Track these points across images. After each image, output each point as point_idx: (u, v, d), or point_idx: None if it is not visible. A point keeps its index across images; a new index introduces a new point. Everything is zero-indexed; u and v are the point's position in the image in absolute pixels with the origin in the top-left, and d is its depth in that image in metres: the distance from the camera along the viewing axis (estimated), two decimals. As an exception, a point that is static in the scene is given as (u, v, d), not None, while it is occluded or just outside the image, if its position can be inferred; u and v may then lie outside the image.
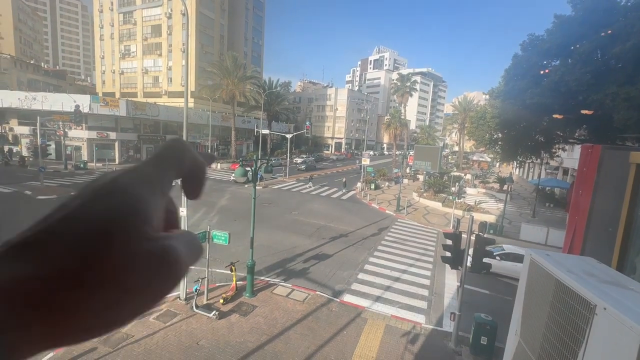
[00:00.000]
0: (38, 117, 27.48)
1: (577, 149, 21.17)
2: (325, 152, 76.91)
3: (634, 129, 11.48)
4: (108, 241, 0.24)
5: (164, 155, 0.34)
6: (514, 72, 16.47)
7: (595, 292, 2.23)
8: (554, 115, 14.34)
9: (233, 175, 29.18)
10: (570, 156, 30.22)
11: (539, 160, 24.35)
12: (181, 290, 9.86)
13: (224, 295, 10.05)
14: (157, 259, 0.27)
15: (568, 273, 2.54)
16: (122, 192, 0.27)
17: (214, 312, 9.16)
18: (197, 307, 9.37)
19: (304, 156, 54.73)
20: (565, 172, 34.86)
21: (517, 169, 57.84)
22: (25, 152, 35.24)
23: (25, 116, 35.00)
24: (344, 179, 32.70)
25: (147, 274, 0.26)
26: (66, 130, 33.28)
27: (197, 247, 0.33)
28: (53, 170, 29.94)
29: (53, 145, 35.56)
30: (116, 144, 37.94)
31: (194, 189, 0.38)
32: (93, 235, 0.24)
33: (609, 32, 12.47)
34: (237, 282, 10.60)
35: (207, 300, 9.90)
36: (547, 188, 31.34)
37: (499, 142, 23.77)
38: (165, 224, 0.36)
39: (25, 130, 35.78)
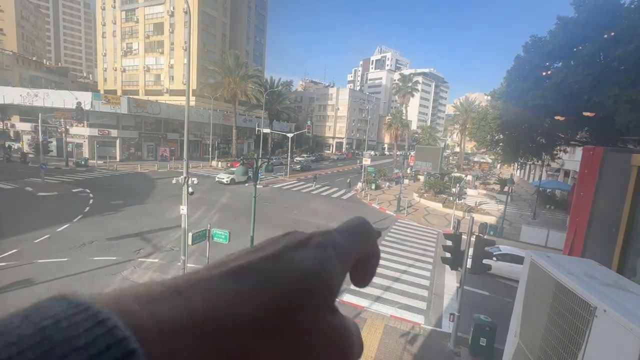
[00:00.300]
0: (40, 114, 27.52)
1: (579, 151, 21.12)
2: (326, 151, 76.94)
3: (635, 131, 11.45)
4: (301, 300, 0.24)
5: (356, 232, 0.33)
6: (516, 74, 16.44)
7: (596, 294, 2.22)
8: (556, 117, 14.32)
9: (218, 176, 28.94)
10: (572, 158, 30.16)
11: (540, 162, 24.34)
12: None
13: (223, 293, 10.05)
14: (338, 333, 0.26)
15: (568, 275, 2.54)
16: (322, 253, 0.28)
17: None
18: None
19: (305, 155, 54.75)
20: (567, 174, 34.80)
21: (518, 171, 57.76)
22: (26, 149, 35.32)
23: (27, 113, 35.09)
24: (348, 180, 32.69)
25: (325, 345, 0.25)
26: (67, 127, 33.32)
27: (361, 344, 0.30)
28: (54, 167, 29.98)
29: (54, 142, 35.65)
30: (117, 141, 37.99)
31: (365, 276, 0.35)
32: (288, 290, 0.24)
33: (612, 34, 12.43)
34: (237, 281, 10.60)
35: (207, 298, 9.89)
36: (548, 190, 31.30)
37: (500, 144, 23.76)
38: None
39: (26, 126, 35.85)
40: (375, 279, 12.31)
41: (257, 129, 45.55)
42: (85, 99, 33.76)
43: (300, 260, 0.26)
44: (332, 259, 0.28)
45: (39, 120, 26.94)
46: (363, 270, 0.34)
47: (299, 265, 0.26)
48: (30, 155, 33.40)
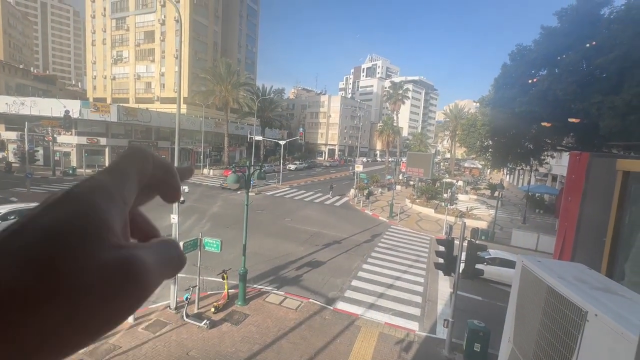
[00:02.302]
0: (26, 123, 26.92)
1: (565, 155, 21.62)
2: (318, 158, 77.07)
3: (619, 136, 11.79)
4: (56, 253, 0.22)
5: (121, 163, 0.32)
6: (503, 81, 16.84)
7: (587, 298, 2.24)
8: (542, 123, 14.65)
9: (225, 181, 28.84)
10: (559, 163, 30.82)
11: (528, 167, 24.80)
12: (171, 299, 9.65)
13: (215, 303, 9.87)
14: (117, 271, 0.24)
15: (559, 279, 2.56)
16: (74, 201, 0.25)
17: (204, 321, 8.97)
18: (187, 316, 9.18)
19: (297, 162, 54.80)
20: (554, 178, 35.51)
21: (508, 176, 58.75)
22: (11, 158, 34.46)
23: (13, 121, 34.34)
24: (329, 186, 32.53)
25: (106, 288, 0.23)
26: (55, 135, 32.71)
27: (174, 258, 0.31)
28: (40, 176, 29.29)
29: (41, 151, 34.85)
30: (107, 149, 37.39)
31: (169, 193, 0.36)
32: (39, 248, 0.22)
33: (594, 43, 12.88)
34: (229, 290, 10.43)
35: (198, 309, 9.71)
36: (537, 194, 31.87)
37: (490, 149, 24.18)
38: (142, 234, 0.33)
39: (12, 135, 35.04)
40: (369, 286, 12.29)
41: (249, 136, 45.46)
42: (73, 107, 33.24)
43: (52, 221, 0.23)
44: (92, 202, 0.26)
45: (26, 129, 26.34)
46: (162, 190, 0.35)
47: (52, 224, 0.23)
48: (15, 165, 32.59)
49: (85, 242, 0.24)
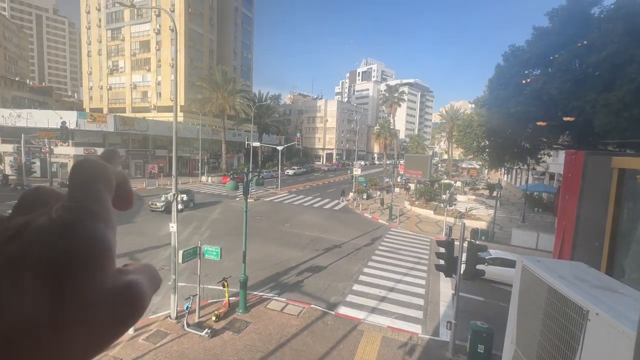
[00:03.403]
0: (22, 135, 26.89)
1: (562, 154, 21.74)
2: (316, 163, 77.14)
3: (614, 133, 11.87)
4: (68, 285, 0.24)
5: (89, 181, 0.31)
6: (498, 82, 16.95)
7: (587, 297, 2.24)
8: (538, 123, 14.74)
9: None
10: (556, 161, 30.96)
11: (525, 166, 24.90)
12: (172, 308, 9.57)
13: (216, 312, 9.79)
14: (121, 296, 0.26)
15: (559, 279, 2.57)
16: (78, 231, 0.26)
17: (206, 330, 8.89)
18: (188, 325, 9.09)
19: (295, 167, 54.85)
20: (552, 177, 35.64)
21: (505, 175, 58.91)
22: (8, 171, 34.31)
23: (9, 134, 34.23)
24: (343, 190, 32.23)
25: (112, 312, 0.26)
26: (52, 147, 32.62)
27: (157, 279, 0.32)
28: (38, 188, 29.09)
29: (38, 163, 34.73)
30: (104, 160, 37.28)
31: (124, 200, 0.35)
32: (50, 281, 0.23)
33: (585, 42, 13.02)
34: (230, 298, 10.36)
35: (199, 318, 9.62)
36: (535, 193, 31.96)
37: (487, 150, 24.27)
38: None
39: (8, 148, 34.93)
40: (371, 290, 12.23)
41: (246, 142, 45.51)
42: (70, 118, 33.24)
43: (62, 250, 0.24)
44: (97, 228, 0.27)
45: (22, 141, 26.30)
46: (119, 198, 0.34)
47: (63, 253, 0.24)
48: (12, 177, 32.42)
49: (94, 274, 0.25)
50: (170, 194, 10.12)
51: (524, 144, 19.69)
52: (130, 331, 8.61)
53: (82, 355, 0.25)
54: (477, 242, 8.96)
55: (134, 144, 40.74)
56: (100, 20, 54.51)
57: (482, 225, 22.60)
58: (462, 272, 8.71)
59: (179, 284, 10.03)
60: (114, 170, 0.34)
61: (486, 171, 60.30)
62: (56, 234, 0.25)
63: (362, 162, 68.62)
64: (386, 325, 9.98)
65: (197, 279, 9.86)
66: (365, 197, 32.16)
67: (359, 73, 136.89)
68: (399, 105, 58.90)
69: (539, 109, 13.89)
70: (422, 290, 12.62)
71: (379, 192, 35.92)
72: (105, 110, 52.91)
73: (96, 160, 0.33)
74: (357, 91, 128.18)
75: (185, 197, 22.67)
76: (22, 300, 0.22)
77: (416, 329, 9.95)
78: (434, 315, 10.90)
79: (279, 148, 38.92)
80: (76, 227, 0.26)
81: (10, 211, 0.32)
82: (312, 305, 10.82)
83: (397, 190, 35.90)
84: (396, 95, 56.08)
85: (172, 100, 47.20)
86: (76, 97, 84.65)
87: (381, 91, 66.97)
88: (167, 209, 20.15)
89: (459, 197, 34.86)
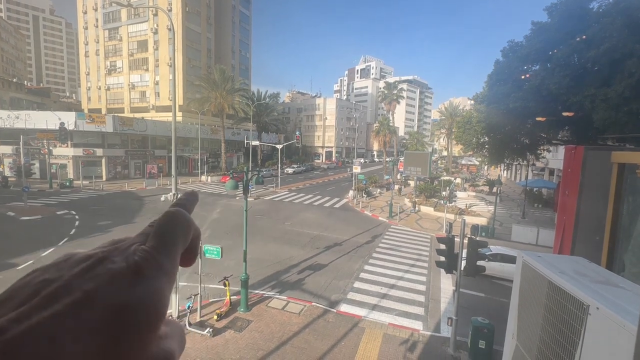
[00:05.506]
0: (21, 136, 26.83)
1: (561, 149, 21.72)
2: (316, 161, 77.09)
3: (613, 128, 11.87)
4: (120, 335, 0.24)
5: (171, 235, 0.32)
6: (497, 78, 16.92)
7: (588, 292, 2.25)
8: (537, 118, 14.72)
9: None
10: (555, 157, 30.98)
11: (525, 162, 24.90)
12: (173, 308, 9.59)
13: (217, 311, 9.82)
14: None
15: (560, 274, 2.57)
16: (144, 285, 0.26)
17: (207, 329, 8.92)
18: (190, 325, 9.12)
19: (295, 166, 54.85)
20: (551, 172, 35.68)
21: (505, 171, 58.95)
22: (7, 172, 34.28)
23: (8, 135, 34.20)
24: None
25: None
26: (51, 148, 32.58)
27: (183, 342, 0.32)
28: (37, 189, 29.14)
29: (37, 164, 34.72)
30: (103, 160, 37.29)
31: (190, 258, 0.36)
32: (105, 327, 0.23)
33: (584, 37, 12.98)
34: (231, 297, 10.38)
35: (201, 317, 9.65)
36: (535, 189, 31.98)
37: (486, 146, 24.27)
38: None
39: (7, 149, 34.89)
40: (372, 287, 12.26)
41: (246, 141, 45.46)
42: (68, 118, 33.17)
43: (132, 299, 0.25)
44: (163, 287, 0.27)
45: (21, 143, 26.24)
46: (187, 255, 0.35)
47: (133, 305, 0.25)
48: (11, 179, 32.41)
49: (148, 334, 0.25)
50: (170, 193, 10.11)
51: (523, 140, 19.69)
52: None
53: None
54: (478, 239, 8.95)
55: (133, 144, 40.69)
56: (97, 20, 54.30)
57: (482, 221, 22.62)
58: (462, 269, 8.73)
59: (180, 283, 10.05)
60: (195, 227, 0.35)
61: (486, 167, 60.32)
62: (128, 282, 0.26)
63: (362, 160, 68.58)
64: (387, 322, 10.01)
65: (198, 278, 9.88)
66: (365, 195, 32.14)
67: (357, 70, 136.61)
68: (398, 103, 58.71)
69: (538, 104, 13.88)
70: (422, 287, 12.65)
71: (378, 190, 35.93)
72: (103, 111, 52.80)
73: (187, 216, 0.35)
74: (356, 89, 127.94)
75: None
76: (86, 339, 0.22)
77: (417, 325, 9.98)
78: (434, 311, 10.93)
79: (279, 147, 38.90)
80: (147, 281, 0.27)
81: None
82: (314, 303, 10.84)
83: (396, 187, 35.87)
84: (395, 92, 55.93)
85: (170, 100, 47.17)
86: (74, 98, 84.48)
87: (380, 88, 66.74)
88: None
89: (459, 194, 34.85)
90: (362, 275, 13.41)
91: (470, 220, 21.54)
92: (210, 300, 10.77)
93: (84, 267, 0.26)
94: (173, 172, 10.22)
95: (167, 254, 0.30)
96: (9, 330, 0.21)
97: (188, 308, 9.28)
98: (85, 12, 55.45)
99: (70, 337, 0.22)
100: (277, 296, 11.27)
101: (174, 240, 0.32)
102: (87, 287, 0.24)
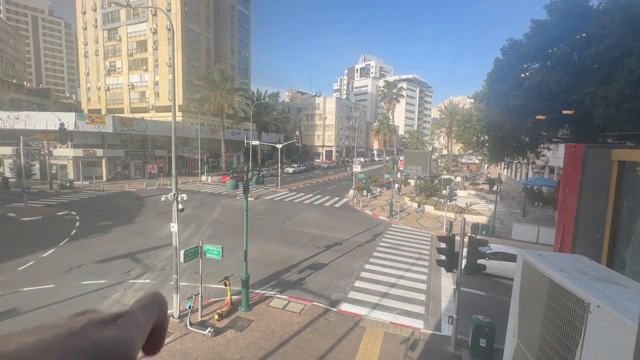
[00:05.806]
0: (21, 137, 26.82)
1: (562, 147, 21.72)
2: (316, 160, 77.08)
3: (613, 126, 11.85)
4: None
5: (153, 308, 0.39)
6: (496, 76, 16.89)
7: (588, 290, 2.25)
8: (537, 116, 14.70)
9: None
10: (555, 155, 30.96)
11: (525, 160, 24.88)
12: (174, 308, 9.60)
13: (218, 311, 9.83)
14: None
15: (561, 272, 2.57)
16: (122, 350, 0.31)
17: (209, 329, 8.93)
18: (191, 324, 9.13)
19: (295, 165, 54.83)
20: (552, 170, 35.66)
21: (505, 170, 58.91)
22: (8, 173, 34.30)
23: (8, 136, 34.19)
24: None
25: None
26: (51, 149, 32.58)
27: (155, 318, 0.39)
28: (38, 190, 29.17)
29: (37, 165, 34.73)
30: (103, 160, 37.30)
31: (157, 343, 0.41)
32: None
33: (584, 35, 12.95)
34: (232, 297, 10.39)
35: (202, 317, 9.66)
36: (535, 187, 31.97)
37: (486, 144, 24.26)
38: None
39: (7, 150, 34.90)
40: (372, 286, 12.27)
41: (245, 141, 45.44)
42: (68, 119, 33.17)
43: (106, 338, 0.29)
44: (135, 337, 0.33)
45: (21, 144, 26.24)
46: (154, 337, 0.40)
47: (106, 344, 0.29)
48: (12, 180, 32.42)
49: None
50: (171, 194, 10.11)
51: (523, 138, 19.66)
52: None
53: None
54: (478, 237, 8.94)
55: (133, 144, 40.68)
56: (96, 20, 54.23)
57: (482, 219, 22.61)
58: (463, 267, 8.73)
59: (181, 283, 10.06)
60: (166, 315, 0.42)
61: (486, 166, 60.24)
62: (105, 324, 0.32)
63: (362, 159, 68.62)
64: (388, 321, 10.02)
65: (198, 278, 9.89)
66: (365, 193, 32.11)
67: (357, 69, 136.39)
68: (398, 101, 58.61)
69: (538, 102, 13.85)
70: (423, 286, 12.66)
71: (379, 189, 35.92)
72: (103, 111, 52.81)
73: (164, 300, 0.41)
74: (356, 88, 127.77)
75: (185, 196, 22.62)
76: None
77: (418, 324, 9.99)
78: (435, 310, 10.94)
79: (278, 146, 38.88)
80: (125, 332, 0.33)
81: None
82: (314, 303, 10.85)
83: (397, 186, 35.89)
84: (395, 91, 55.85)
85: (170, 100, 47.14)
86: (74, 99, 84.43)
87: (380, 87, 66.68)
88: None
89: (459, 192, 34.85)
90: (363, 274, 13.41)
91: (470, 218, 21.53)
92: (211, 300, 10.78)
93: (78, 326, 0.30)
94: (173, 172, 10.22)
95: (144, 314, 0.37)
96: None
97: (189, 308, 9.29)
98: (84, 13, 55.39)
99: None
100: (278, 296, 11.28)
101: (149, 307, 0.39)
102: (75, 326, 0.29)
